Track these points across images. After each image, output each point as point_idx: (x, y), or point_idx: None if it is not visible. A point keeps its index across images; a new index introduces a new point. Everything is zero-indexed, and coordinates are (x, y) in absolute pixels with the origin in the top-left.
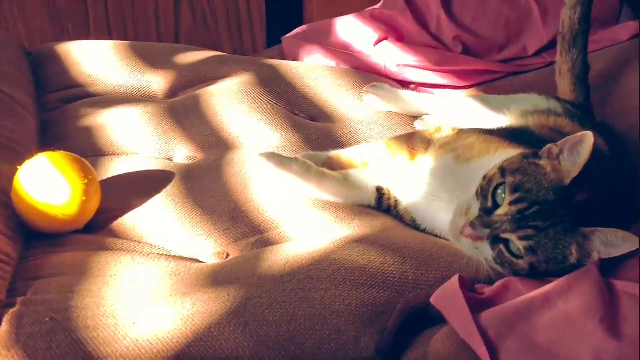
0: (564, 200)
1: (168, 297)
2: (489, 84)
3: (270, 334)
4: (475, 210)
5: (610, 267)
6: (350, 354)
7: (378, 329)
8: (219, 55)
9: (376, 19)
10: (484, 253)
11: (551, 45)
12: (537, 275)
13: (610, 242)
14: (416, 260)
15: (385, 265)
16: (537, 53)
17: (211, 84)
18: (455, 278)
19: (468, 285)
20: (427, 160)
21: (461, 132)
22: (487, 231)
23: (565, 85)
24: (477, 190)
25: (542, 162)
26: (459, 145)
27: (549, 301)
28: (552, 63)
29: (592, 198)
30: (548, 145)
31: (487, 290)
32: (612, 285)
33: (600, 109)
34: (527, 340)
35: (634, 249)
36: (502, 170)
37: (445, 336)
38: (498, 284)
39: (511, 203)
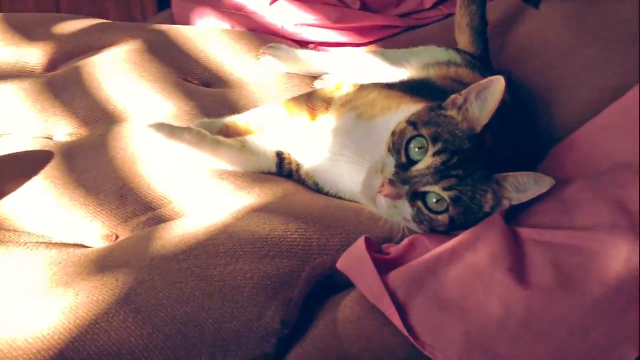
0: (477, 147)
1: (48, 289)
2: (389, 39)
3: (165, 318)
4: (390, 168)
5: (513, 215)
6: (254, 329)
7: (283, 301)
8: (102, 23)
9: None
10: (402, 212)
11: None
12: (453, 229)
13: (521, 187)
14: (320, 225)
15: (288, 233)
16: (434, 5)
17: (94, 54)
18: (361, 240)
19: (374, 247)
20: (328, 120)
21: (362, 89)
22: (407, 187)
23: (464, 39)
24: (389, 147)
25: (451, 113)
26: (360, 103)
27: (455, 254)
28: (450, 15)
29: (500, 144)
30: (452, 96)
31: (393, 250)
32: (517, 233)
33: (497, 58)
34: (435, 297)
35: (545, 190)
36: (413, 124)
37: (353, 301)
38: (404, 242)
39: (434, 154)
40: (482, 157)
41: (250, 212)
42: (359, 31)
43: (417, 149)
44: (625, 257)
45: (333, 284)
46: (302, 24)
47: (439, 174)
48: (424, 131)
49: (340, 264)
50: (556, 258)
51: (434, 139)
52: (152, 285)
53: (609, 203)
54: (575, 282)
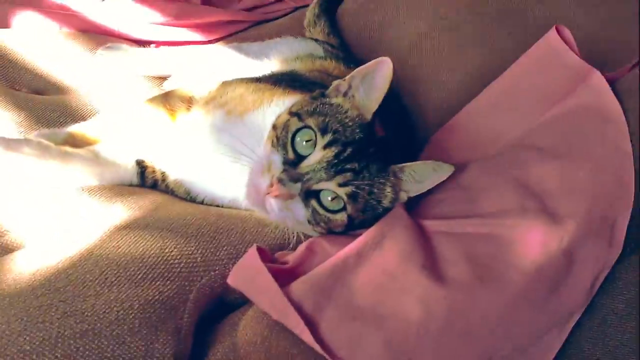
0: (370, 137)
1: None
2: (237, 35)
3: None
4: (277, 165)
5: (415, 208)
6: None
7: (172, 331)
8: None
9: None
10: (296, 214)
11: None
12: (352, 228)
13: (419, 177)
14: (201, 238)
15: (166, 251)
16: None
17: None
18: (253, 250)
19: (268, 257)
20: (192, 121)
21: (226, 84)
22: (299, 185)
23: (319, 32)
24: (273, 142)
25: (337, 101)
26: (228, 99)
27: (362, 257)
28: (297, 8)
29: (390, 134)
30: (335, 82)
31: (291, 258)
32: (422, 226)
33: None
34: (347, 306)
35: (445, 178)
36: (297, 115)
37: (253, 320)
38: (301, 248)
39: (325, 146)
40: (376, 148)
41: (116, 231)
42: (203, 28)
43: (304, 142)
44: (541, 241)
45: (225, 303)
46: (139, 22)
47: (333, 168)
48: (310, 122)
49: (232, 280)
50: (468, 250)
51: (323, 130)
52: (9, 329)
53: (513, 186)
54: (493, 273)
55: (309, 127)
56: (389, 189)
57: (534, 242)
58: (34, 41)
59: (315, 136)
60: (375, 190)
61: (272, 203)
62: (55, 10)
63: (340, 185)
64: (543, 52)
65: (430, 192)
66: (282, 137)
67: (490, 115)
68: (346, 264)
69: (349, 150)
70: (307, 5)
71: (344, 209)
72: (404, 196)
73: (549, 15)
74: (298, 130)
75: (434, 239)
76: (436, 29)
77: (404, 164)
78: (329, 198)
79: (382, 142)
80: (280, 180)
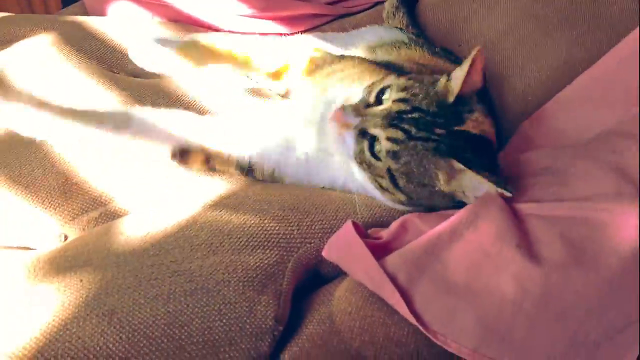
0: (445, 119)
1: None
2: (320, 28)
3: (145, 319)
4: (354, 101)
5: None
6: (246, 327)
7: (272, 295)
8: (9, 16)
9: None
10: (347, 145)
11: None
12: (409, 198)
13: (474, 187)
14: (298, 212)
15: (265, 222)
16: None
17: (5, 48)
18: (349, 224)
19: (362, 232)
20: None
21: (341, 59)
22: (357, 120)
23: (396, 24)
24: (365, 89)
25: (441, 80)
26: (348, 73)
27: (456, 234)
28: (379, 3)
29: (472, 133)
30: None
31: (384, 234)
32: (515, 209)
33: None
34: (441, 280)
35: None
36: (399, 74)
37: (348, 291)
38: (394, 224)
39: (395, 101)
40: (447, 133)
41: (217, 202)
42: (287, 20)
43: (387, 95)
44: (637, 225)
45: (318, 275)
46: (228, 14)
47: (391, 121)
48: (399, 80)
49: (327, 253)
50: (564, 232)
51: (402, 88)
52: (124, 283)
53: (609, 171)
54: (589, 255)
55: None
56: (442, 176)
57: (630, 226)
58: (129, 28)
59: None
60: (423, 167)
61: (331, 126)
62: (148, 0)
63: (389, 139)
64: (635, 45)
65: (521, 176)
66: (374, 84)
67: (581, 106)
68: (440, 240)
69: (415, 114)
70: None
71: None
72: (471, 199)
73: (636, 7)
74: (388, 85)
75: (527, 221)
76: (520, 22)
77: (466, 169)
78: (377, 147)
79: (457, 134)
80: (343, 108)
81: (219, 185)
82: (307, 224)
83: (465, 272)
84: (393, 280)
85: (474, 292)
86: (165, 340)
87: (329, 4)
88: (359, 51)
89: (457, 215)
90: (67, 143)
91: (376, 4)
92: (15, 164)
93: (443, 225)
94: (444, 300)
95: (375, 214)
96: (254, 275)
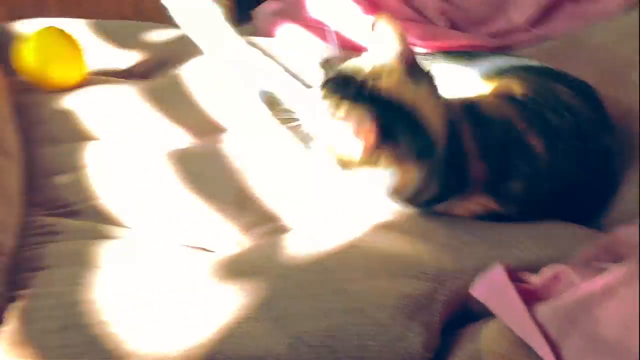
0: None
1: (187, 291)
2: None
3: (307, 329)
4: None
5: None
6: (397, 352)
7: (423, 324)
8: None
9: None
10: None
11: (539, 19)
12: None
13: None
14: (451, 247)
15: (420, 253)
16: (526, 27)
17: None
18: (499, 267)
19: (512, 275)
20: None
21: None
22: None
23: None
24: None
25: None
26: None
27: (612, 290)
28: (545, 39)
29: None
30: None
31: (536, 280)
32: None
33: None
34: (592, 336)
35: None
36: None
37: (495, 332)
38: (547, 272)
39: None
40: None
41: (378, 229)
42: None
43: None
44: None
45: (468, 311)
46: None
47: None
48: None
49: (477, 292)
50: None
51: None
52: (291, 294)
53: None
54: None
55: None
56: None
57: None
58: (296, 51)
59: None
60: None
61: None
62: (317, 26)
63: None
64: None
65: None
66: None
67: None
68: (595, 295)
69: None
70: (555, 36)
71: None
72: None
73: None
74: None
75: None
76: None
77: None
78: None
79: None
80: None
81: (381, 215)
82: (459, 260)
83: (619, 329)
84: (543, 330)
85: (627, 350)
86: (324, 351)
87: (492, 36)
88: None
89: (614, 271)
90: (245, 159)
91: (540, 39)
92: (198, 176)
93: (598, 280)
94: (594, 357)
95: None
96: (406, 303)
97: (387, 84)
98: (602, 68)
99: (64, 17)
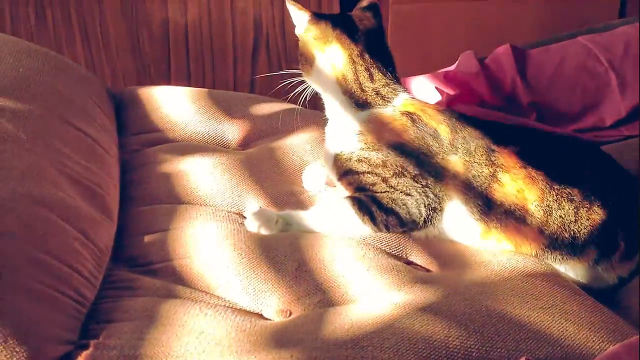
0: None
1: (234, 353)
2: None
3: None
4: None
5: None
6: None
7: None
8: (293, 108)
9: (450, 81)
10: None
11: (630, 119)
12: None
13: None
14: (481, 335)
15: (450, 339)
16: (616, 125)
17: (284, 137)
18: None
19: None
20: None
21: None
22: None
23: None
24: None
25: None
26: None
27: None
28: (630, 137)
29: None
30: None
31: None
32: None
33: None
34: None
35: None
36: None
37: None
38: None
39: None
40: None
41: (413, 310)
42: None
43: None
44: None
45: None
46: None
47: None
48: None
49: None
50: None
51: None
52: None
53: None
54: None
55: None
56: None
57: None
58: None
59: None
60: None
61: None
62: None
63: None
64: None
65: None
66: None
67: None
68: None
69: None
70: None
71: None
72: None
73: None
74: None
75: None
76: None
77: None
78: None
79: None
80: None
81: (418, 295)
82: (487, 349)
83: None
84: None
85: None
86: None
87: (577, 130)
88: None
89: None
90: (309, 236)
91: (627, 137)
92: (267, 245)
93: None
94: None
95: None
96: None
97: None
98: None
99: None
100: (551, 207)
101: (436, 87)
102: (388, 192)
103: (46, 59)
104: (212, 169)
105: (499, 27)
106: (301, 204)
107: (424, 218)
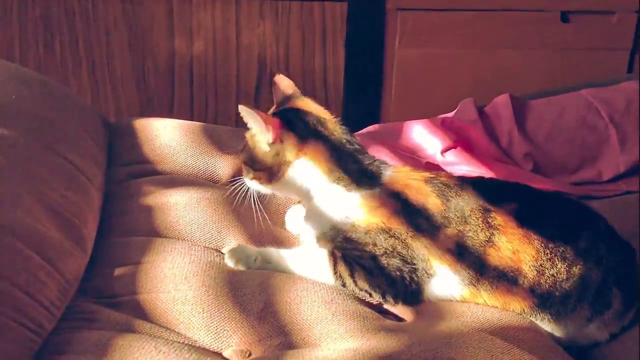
0: None
1: None
2: None
3: None
4: None
5: None
6: None
7: None
8: None
9: (447, 128)
10: None
11: (628, 173)
12: None
13: None
14: None
15: None
16: (613, 180)
17: None
18: None
19: None
20: None
21: None
22: None
23: None
24: None
25: None
26: None
27: None
28: (629, 192)
29: None
30: None
31: None
32: None
33: None
34: None
35: None
36: None
37: None
38: None
39: None
40: None
41: (370, 357)
42: None
43: None
44: None
45: None
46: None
47: None
48: None
49: None
50: None
51: None
52: None
53: None
54: None
55: None
56: None
57: None
58: None
59: None
60: None
61: None
62: (405, 153)
63: None
64: None
65: None
66: None
67: None
68: None
69: None
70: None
71: None
72: None
73: None
74: None
75: None
76: None
77: None
78: None
79: None
80: None
81: (381, 342)
82: None
83: None
84: None
85: None
86: None
87: (575, 184)
88: None
89: None
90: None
91: (626, 192)
92: (236, 284)
93: None
94: None
95: None
96: None
97: None
98: None
99: None
100: (544, 267)
101: (434, 133)
102: (375, 269)
103: (43, 88)
104: (195, 204)
105: (506, 77)
106: (282, 244)
107: (402, 300)
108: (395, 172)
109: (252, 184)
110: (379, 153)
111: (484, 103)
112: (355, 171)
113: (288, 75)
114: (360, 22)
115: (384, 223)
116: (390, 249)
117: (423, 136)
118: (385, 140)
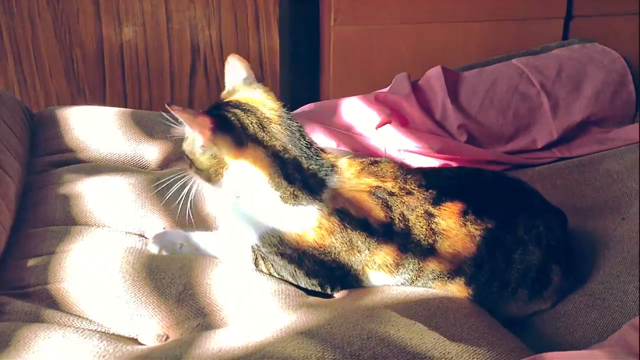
0: None
1: None
2: None
3: None
4: None
5: None
6: None
7: None
8: None
9: (381, 102)
10: None
11: (561, 141)
12: None
13: None
14: (356, 358)
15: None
16: (547, 147)
17: None
18: None
19: None
20: None
21: None
22: None
23: None
24: None
25: None
26: None
27: None
28: (563, 159)
29: None
30: None
31: None
32: None
33: None
34: None
35: None
36: None
37: None
38: None
39: None
40: None
41: (289, 333)
42: (459, 162)
43: None
44: None
45: None
46: (405, 150)
47: None
48: None
49: None
50: None
51: None
52: None
53: None
54: None
55: None
56: None
57: None
58: None
59: None
60: None
61: None
62: (340, 130)
63: None
64: None
65: None
66: None
67: None
68: None
69: None
70: (573, 157)
71: None
72: None
73: None
74: None
75: None
76: None
77: None
78: None
79: None
80: None
81: (299, 319)
82: None
83: None
84: None
85: None
86: None
87: (509, 153)
88: None
89: None
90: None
91: (560, 159)
92: (156, 269)
93: None
94: None
95: None
96: None
97: None
98: (606, 195)
99: None
100: (483, 262)
101: (368, 108)
102: (299, 278)
103: None
104: (118, 190)
105: (443, 50)
106: (206, 224)
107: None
108: (340, 182)
109: (196, 178)
110: (314, 132)
111: (421, 77)
112: (297, 181)
113: (221, 59)
114: (294, 1)
115: (315, 242)
116: (317, 267)
117: (357, 112)
118: (320, 118)
